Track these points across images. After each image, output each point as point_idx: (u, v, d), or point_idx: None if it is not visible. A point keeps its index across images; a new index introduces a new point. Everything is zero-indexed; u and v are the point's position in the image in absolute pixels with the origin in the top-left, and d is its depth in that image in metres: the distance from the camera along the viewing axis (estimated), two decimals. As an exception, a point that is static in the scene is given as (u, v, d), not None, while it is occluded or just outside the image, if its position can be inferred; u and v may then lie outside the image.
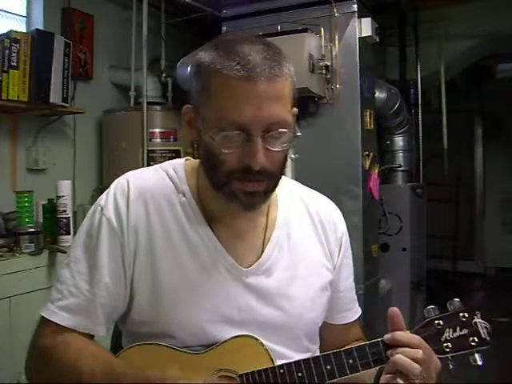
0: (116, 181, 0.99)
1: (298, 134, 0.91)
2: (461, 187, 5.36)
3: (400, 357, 0.85)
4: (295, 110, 0.93)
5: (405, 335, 0.88)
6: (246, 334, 0.92)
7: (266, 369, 0.88)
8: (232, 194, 0.88)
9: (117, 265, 0.93)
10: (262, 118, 0.83)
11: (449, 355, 0.90)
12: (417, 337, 0.88)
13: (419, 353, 0.86)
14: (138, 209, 0.94)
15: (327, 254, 1.05)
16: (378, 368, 0.91)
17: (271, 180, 0.89)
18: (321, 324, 1.05)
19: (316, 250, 1.04)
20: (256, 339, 0.92)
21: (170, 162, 1.04)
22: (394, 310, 0.90)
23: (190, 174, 0.99)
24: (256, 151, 0.83)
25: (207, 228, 0.95)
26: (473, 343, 0.90)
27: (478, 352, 0.89)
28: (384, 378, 0.89)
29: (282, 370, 0.87)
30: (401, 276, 3.57)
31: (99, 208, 0.95)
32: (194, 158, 1.05)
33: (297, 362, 0.88)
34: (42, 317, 0.93)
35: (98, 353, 0.91)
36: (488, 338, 0.90)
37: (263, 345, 0.92)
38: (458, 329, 0.90)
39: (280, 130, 0.85)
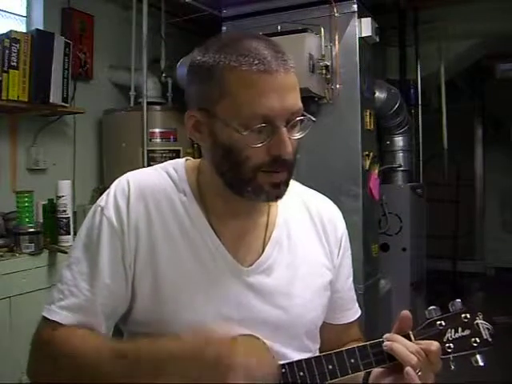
0: (116, 181, 0.99)
1: (314, 119, 0.93)
2: (461, 187, 5.36)
3: (398, 346, 0.87)
4: None
5: (408, 342, 0.89)
6: (249, 333, 0.92)
7: None
8: (259, 188, 0.89)
9: (117, 265, 0.92)
10: (285, 109, 0.85)
11: (450, 356, 0.90)
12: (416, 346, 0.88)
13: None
14: (139, 208, 0.94)
15: (327, 253, 1.05)
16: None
17: (291, 169, 0.91)
18: (321, 323, 1.05)
19: (316, 250, 1.04)
20: (258, 339, 0.91)
21: (171, 161, 1.04)
22: (407, 313, 0.92)
23: (190, 173, 0.99)
24: (284, 141, 0.85)
25: (208, 227, 0.95)
26: (474, 344, 0.90)
27: (479, 353, 0.90)
28: (375, 371, 0.91)
29: (283, 370, 0.87)
30: (401, 276, 3.57)
31: (99, 208, 0.95)
32: (194, 158, 1.05)
33: (299, 362, 0.88)
34: (43, 317, 0.92)
35: (101, 341, 0.89)
36: (490, 339, 0.90)
37: (265, 345, 0.91)
38: (460, 329, 0.90)
39: (298, 118, 0.88)
